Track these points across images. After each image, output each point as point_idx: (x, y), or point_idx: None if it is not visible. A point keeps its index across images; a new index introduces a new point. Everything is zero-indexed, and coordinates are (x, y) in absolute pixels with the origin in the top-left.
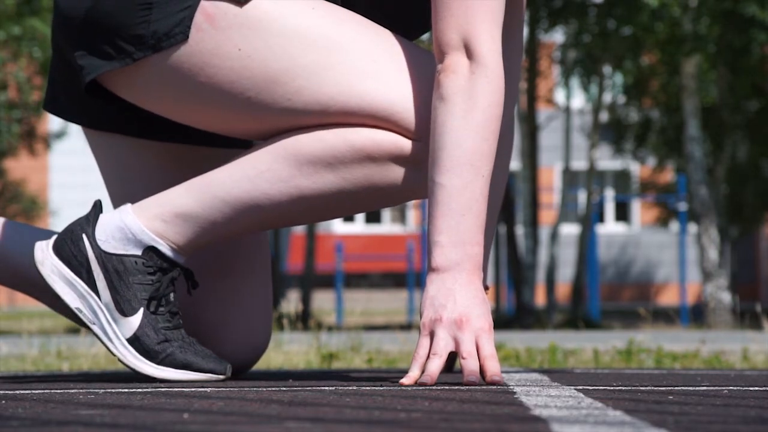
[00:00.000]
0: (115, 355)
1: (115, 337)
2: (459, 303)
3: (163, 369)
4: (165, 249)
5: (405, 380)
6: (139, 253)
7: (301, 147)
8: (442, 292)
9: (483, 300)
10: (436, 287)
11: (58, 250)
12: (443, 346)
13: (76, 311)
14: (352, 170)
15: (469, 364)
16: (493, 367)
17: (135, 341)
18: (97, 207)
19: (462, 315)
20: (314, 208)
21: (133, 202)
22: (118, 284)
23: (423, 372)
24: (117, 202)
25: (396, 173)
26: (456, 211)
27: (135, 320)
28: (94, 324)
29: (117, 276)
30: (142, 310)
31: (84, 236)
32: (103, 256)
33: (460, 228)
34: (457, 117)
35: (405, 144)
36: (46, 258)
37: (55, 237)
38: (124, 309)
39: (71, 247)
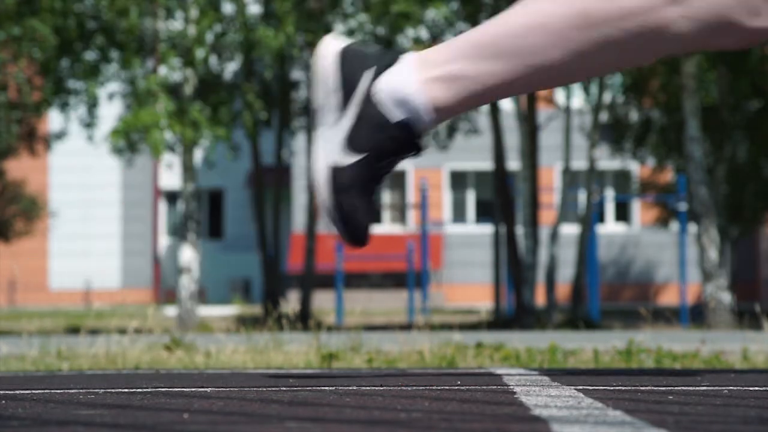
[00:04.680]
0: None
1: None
2: None
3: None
4: (421, 125)
5: None
6: (397, 120)
7: (588, 6)
8: None
9: None
10: None
11: (344, 56)
12: None
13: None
14: (627, 23)
15: None
16: None
17: (338, 171)
18: (397, 54)
19: None
20: (590, 65)
21: None
22: (362, 123)
23: None
24: None
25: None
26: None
27: (352, 159)
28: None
29: (368, 118)
30: (364, 155)
31: (371, 71)
32: (369, 98)
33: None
34: None
35: None
36: (329, 47)
37: (350, 42)
38: (353, 143)
39: (355, 64)
